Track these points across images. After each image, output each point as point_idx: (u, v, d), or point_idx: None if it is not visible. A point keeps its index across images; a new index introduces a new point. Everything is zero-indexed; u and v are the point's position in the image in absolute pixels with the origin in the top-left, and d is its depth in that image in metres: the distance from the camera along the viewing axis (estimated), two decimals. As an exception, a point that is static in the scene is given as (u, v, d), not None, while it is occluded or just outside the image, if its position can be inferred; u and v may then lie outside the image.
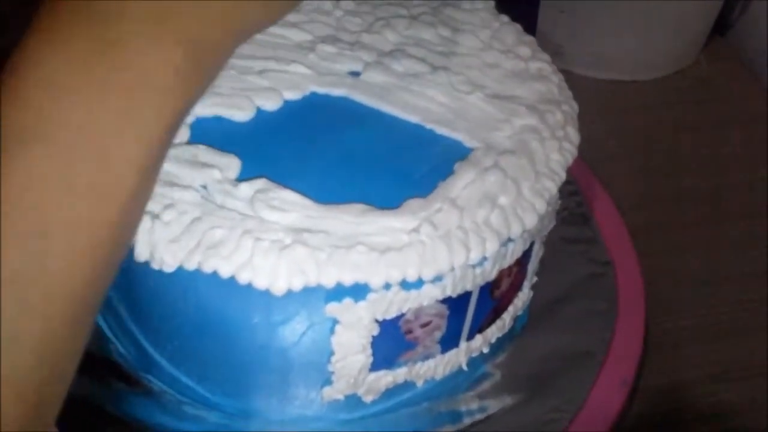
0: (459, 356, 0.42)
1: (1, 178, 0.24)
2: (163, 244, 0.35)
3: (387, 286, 0.36)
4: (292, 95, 0.41)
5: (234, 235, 0.35)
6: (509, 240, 0.38)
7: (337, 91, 0.42)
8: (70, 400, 0.41)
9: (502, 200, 0.38)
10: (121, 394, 0.42)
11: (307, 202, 0.36)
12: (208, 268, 0.35)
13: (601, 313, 0.48)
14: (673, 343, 0.52)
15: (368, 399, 0.41)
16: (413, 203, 0.37)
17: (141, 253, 0.35)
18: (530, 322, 0.47)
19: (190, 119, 0.39)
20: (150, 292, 0.38)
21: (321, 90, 0.42)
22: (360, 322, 0.37)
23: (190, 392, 0.42)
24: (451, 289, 0.37)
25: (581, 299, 0.49)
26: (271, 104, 0.41)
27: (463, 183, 0.38)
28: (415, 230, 0.36)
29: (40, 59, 0.26)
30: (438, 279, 0.36)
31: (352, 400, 0.41)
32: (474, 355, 0.43)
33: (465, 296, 0.39)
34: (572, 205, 0.52)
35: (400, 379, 0.41)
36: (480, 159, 0.39)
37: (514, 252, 0.39)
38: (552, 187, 0.39)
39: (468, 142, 0.40)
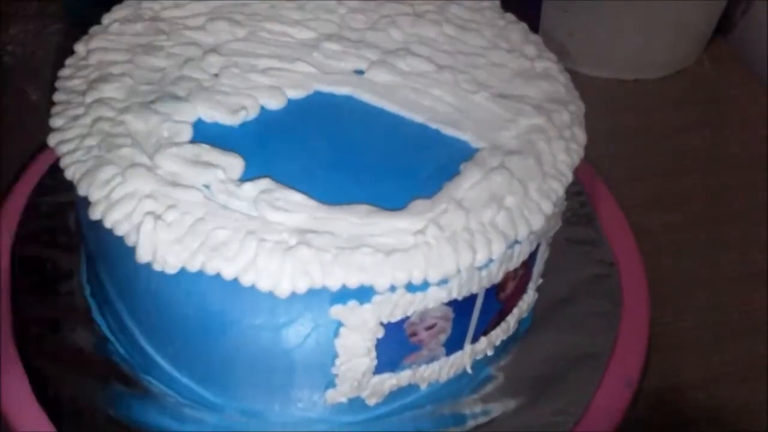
0: (463, 359, 0.42)
1: None
2: (165, 245, 0.34)
3: (392, 289, 0.35)
4: (296, 94, 0.41)
5: (237, 236, 0.34)
6: (516, 242, 0.37)
7: (341, 90, 0.41)
8: (70, 401, 0.41)
9: (509, 201, 0.37)
10: (121, 396, 0.42)
11: (311, 202, 0.36)
12: (211, 270, 0.34)
13: (605, 314, 0.48)
14: (673, 344, 0.51)
15: (372, 402, 0.41)
16: (419, 204, 0.36)
17: (143, 254, 0.35)
18: (534, 323, 0.47)
19: (192, 118, 0.39)
20: (152, 294, 0.38)
21: (325, 89, 0.41)
22: (365, 324, 0.36)
23: (191, 394, 0.41)
24: (456, 292, 0.37)
25: (585, 300, 0.48)
26: (274, 103, 0.40)
27: (469, 183, 0.38)
28: (421, 232, 0.35)
29: None
30: (444, 281, 0.36)
31: (356, 403, 0.40)
32: (478, 357, 0.43)
33: (470, 299, 0.38)
34: (576, 206, 0.52)
35: (404, 382, 0.40)
36: (486, 159, 0.39)
37: (521, 254, 0.39)
38: (559, 188, 0.39)
39: (474, 142, 0.40)
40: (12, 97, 0.63)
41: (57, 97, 0.40)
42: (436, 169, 0.38)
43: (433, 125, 0.40)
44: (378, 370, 0.39)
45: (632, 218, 0.53)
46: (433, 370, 0.41)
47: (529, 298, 0.44)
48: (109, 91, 0.40)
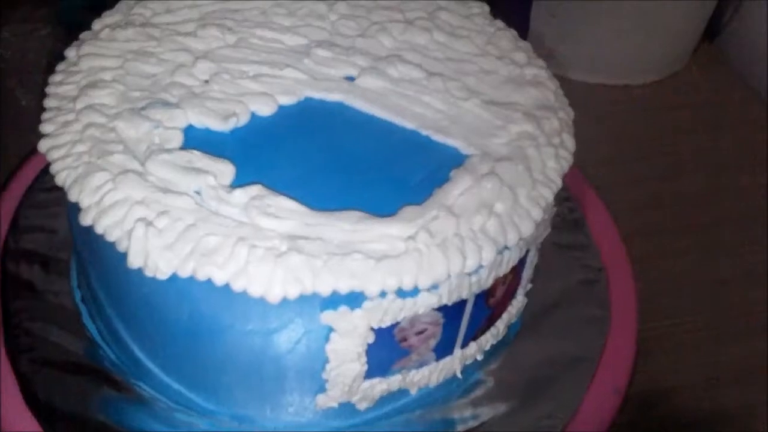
0: (453, 363, 0.42)
1: None
2: (156, 251, 0.34)
3: (383, 294, 0.35)
4: (287, 100, 0.41)
5: (229, 243, 0.35)
6: (505, 248, 0.38)
7: (332, 97, 0.42)
8: (62, 407, 0.41)
9: (499, 207, 0.38)
10: (112, 402, 0.42)
11: (302, 209, 0.36)
12: (202, 276, 0.34)
13: (594, 320, 0.48)
14: (668, 347, 0.52)
15: (362, 406, 0.41)
16: (409, 210, 0.36)
17: (134, 260, 0.35)
18: (523, 328, 0.47)
19: (183, 124, 0.39)
20: (143, 300, 0.38)
21: (316, 95, 0.41)
22: (355, 330, 0.36)
23: (183, 399, 0.41)
24: (446, 297, 0.37)
25: (574, 305, 0.49)
26: (265, 109, 0.40)
27: (459, 190, 0.38)
28: (412, 238, 0.36)
29: None
30: (434, 287, 0.36)
31: (346, 408, 0.40)
32: (468, 362, 0.43)
33: (460, 304, 0.39)
34: (565, 211, 0.52)
35: (394, 387, 0.41)
36: (476, 166, 0.39)
37: (510, 260, 0.39)
38: (548, 194, 0.39)
39: (464, 148, 0.40)
40: (2, 101, 0.62)
41: (48, 102, 0.40)
42: (427, 175, 0.39)
43: (424, 132, 0.41)
44: (368, 375, 0.39)
45: (621, 223, 0.54)
46: (423, 375, 0.41)
47: (518, 303, 0.45)
48: (100, 97, 0.40)
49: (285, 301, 0.34)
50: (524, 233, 0.38)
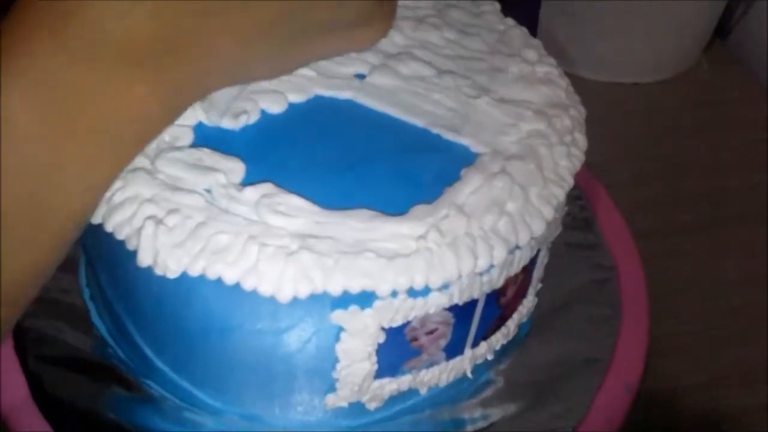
0: (463, 363, 0.42)
1: None
2: (166, 249, 0.34)
3: (394, 294, 0.35)
4: (297, 98, 0.41)
5: (239, 241, 0.34)
6: (517, 247, 0.37)
7: (342, 94, 0.41)
8: (70, 405, 0.41)
9: (510, 207, 0.37)
10: (121, 400, 0.42)
11: (313, 207, 0.36)
12: (212, 274, 0.34)
13: (604, 319, 0.48)
14: (673, 348, 0.52)
15: (372, 406, 0.41)
16: (420, 209, 0.36)
17: (144, 258, 0.34)
18: (533, 328, 0.47)
19: (193, 122, 0.39)
20: (152, 298, 0.37)
21: (326, 93, 0.41)
22: (366, 329, 0.36)
23: (191, 398, 0.41)
24: (457, 297, 0.37)
25: (585, 305, 0.48)
26: (275, 107, 0.40)
27: (470, 189, 0.37)
28: (423, 237, 0.35)
29: (7, 102, 0.29)
30: (445, 287, 0.36)
31: (356, 408, 0.40)
32: (478, 362, 0.43)
33: (471, 304, 0.38)
34: (575, 210, 0.52)
35: (404, 387, 0.40)
36: (487, 164, 0.39)
37: (521, 259, 0.39)
38: (560, 193, 0.39)
39: (475, 146, 0.40)
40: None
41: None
42: (437, 174, 0.38)
43: (434, 130, 0.40)
44: (378, 374, 0.39)
45: (632, 222, 0.53)
46: (433, 375, 0.41)
47: (529, 302, 0.44)
48: (109, 94, 0.40)
49: (295, 300, 0.34)
50: (536, 232, 0.37)
